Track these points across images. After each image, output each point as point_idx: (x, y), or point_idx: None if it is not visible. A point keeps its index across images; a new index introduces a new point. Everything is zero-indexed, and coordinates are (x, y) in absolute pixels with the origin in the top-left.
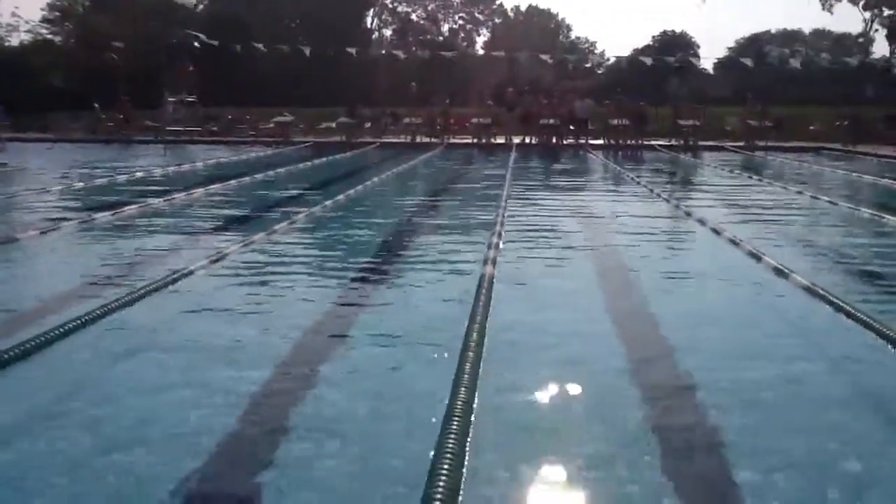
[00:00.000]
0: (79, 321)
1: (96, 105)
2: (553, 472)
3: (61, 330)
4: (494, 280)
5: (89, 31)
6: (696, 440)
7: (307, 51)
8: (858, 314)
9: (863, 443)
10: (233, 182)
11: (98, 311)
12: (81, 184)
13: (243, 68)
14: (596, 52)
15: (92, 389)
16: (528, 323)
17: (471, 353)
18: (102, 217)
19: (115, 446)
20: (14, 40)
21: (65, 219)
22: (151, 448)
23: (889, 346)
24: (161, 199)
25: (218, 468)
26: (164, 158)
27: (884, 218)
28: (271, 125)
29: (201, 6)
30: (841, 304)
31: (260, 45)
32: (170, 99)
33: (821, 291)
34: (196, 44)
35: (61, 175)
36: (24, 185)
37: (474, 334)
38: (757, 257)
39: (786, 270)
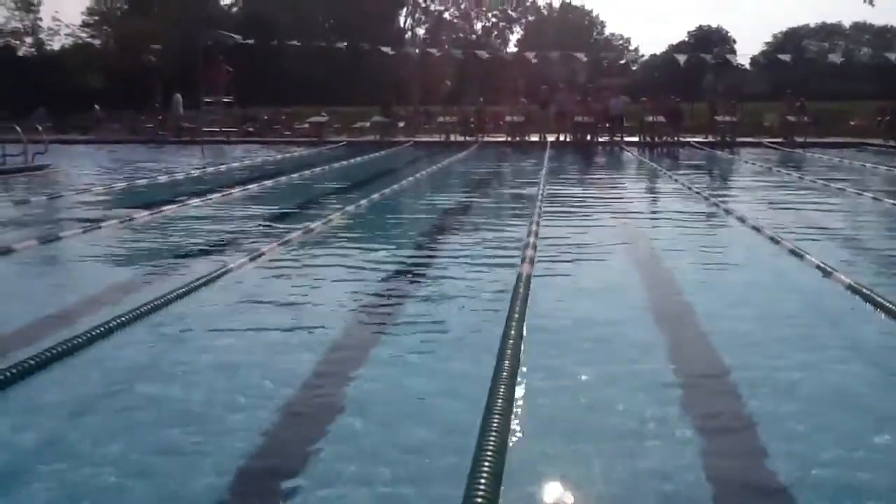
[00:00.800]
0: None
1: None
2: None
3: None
4: (531, 279)
5: (127, 34)
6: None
7: (342, 48)
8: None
9: None
10: (268, 182)
11: (157, 302)
12: (123, 184)
13: (278, 68)
14: (630, 48)
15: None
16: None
17: (509, 350)
18: (142, 216)
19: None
20: (55, 44)
21: (104, 218)
22: None
23: None
24: (199, 199)
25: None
26: (202, 159)
27: None
28: (306, 125)
29: (236, 8)
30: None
31: (295, 43)
32: (206, 100)
33: (857, 286)
34: (232, 44)
35: (102, 175)
36: (68, 186)
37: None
38: (799, 255)
39: (825, 267)
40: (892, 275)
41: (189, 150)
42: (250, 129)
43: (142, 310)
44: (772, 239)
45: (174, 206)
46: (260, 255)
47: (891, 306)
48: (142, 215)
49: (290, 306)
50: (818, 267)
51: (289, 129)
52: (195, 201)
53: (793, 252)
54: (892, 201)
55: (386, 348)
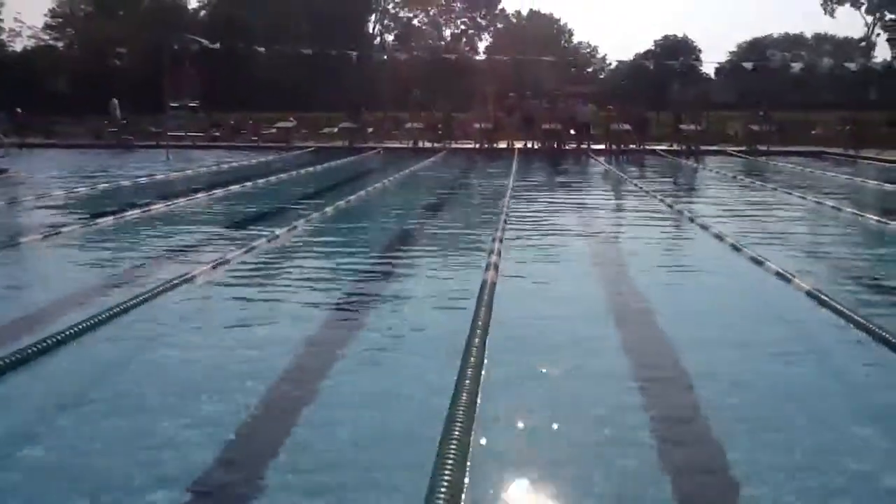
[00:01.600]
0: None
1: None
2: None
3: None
4: (496, 285)
5: (91, 36)
6: None
7: (310, 54)
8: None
9: None
10: (234, 187)
11: (125, 305)
12: (84, 189)
13: (246, 73)
14: (598, 56)
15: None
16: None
17: (472, 358)
18: (104, 222)
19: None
20: (17, 46)
21: (66, 224)
22: None
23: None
24: (163, 204)
25: None
26: (167, 164)
27: (884, 223)
28: (273, 130)
29: (203, 12)
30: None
31: (261, 49)
32: (172, 104)
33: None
34: (198, 48)
35: (64, 180)
36: (29, 191)
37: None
38: (759, 262)
39: (784, 273)
40: (849, 279)
41: (154, 155)
42: (217, 135)
43: (100, 317)
44: (733, 246)
45: (136, 211)
46: (224, 262)
47: (850, 313)
48: (103, 221)
49: (252, 312)
50: (777, 273)
51: (256, 134)
52: (158, 206)
53: (753, 259)
54: (851, 209)
55: (351, 351)
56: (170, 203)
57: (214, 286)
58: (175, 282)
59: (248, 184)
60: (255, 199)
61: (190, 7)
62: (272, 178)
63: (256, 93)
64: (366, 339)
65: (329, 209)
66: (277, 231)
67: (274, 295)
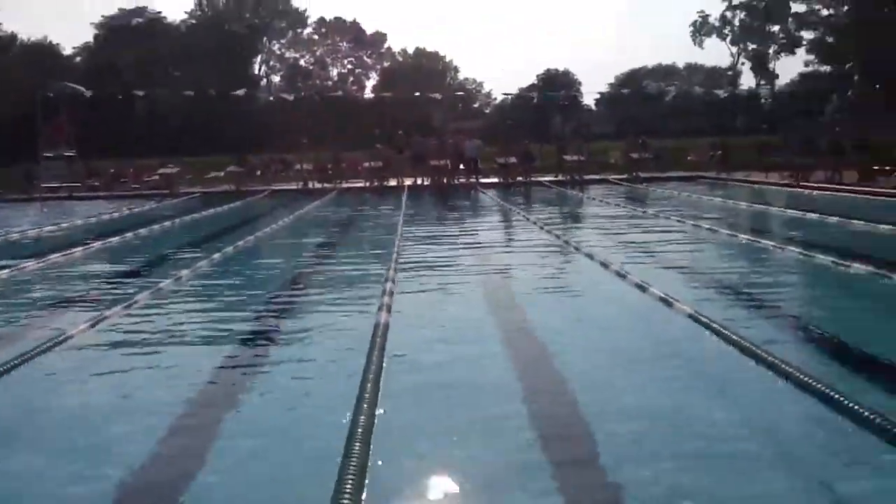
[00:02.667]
0: None
1: None
2: None
3: None
4: (389, 325)
5: None
6: None
7: (192, 96)
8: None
9: None
10: (114, 239)
11: None
12: None
13: (126, 120)
14: (483, 91)
15: None
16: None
17: (366, 404)
18: None
19: None
20: None
21: None
22: None
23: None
24: (38, 261)
25: None
26: (41, 217)
27: (754, 240)
28: (156, 177)
29: (79, 58)
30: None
31: (140, 94)
32: (46, 154)
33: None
34: (74, 94)
35: None
36: None
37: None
38: (643, 288)
39: (667, 297)
40: (726, 298)
41: (27, 208)
42: (95, 184)
43: None
44: (617, 273)
45: (6, 270)
46: (102, 320)
47: (732, 336)
48: None
49: (131, 372)
50: (660, 298)
51: (137, 182)
52: (31, 263)
53: (637, 286)
54: (727, 231)
55: (236, 407)
56: (44, 260)
57: (92, 346)
58: (50, 343)
59: (130, 234)
60: (138, 251)
61: (65, 53)
62: (155, 227)
63: (138, 139)
64: (252, 398)
65: (216, 256)
66: (161, 283)
67: (155, 352)
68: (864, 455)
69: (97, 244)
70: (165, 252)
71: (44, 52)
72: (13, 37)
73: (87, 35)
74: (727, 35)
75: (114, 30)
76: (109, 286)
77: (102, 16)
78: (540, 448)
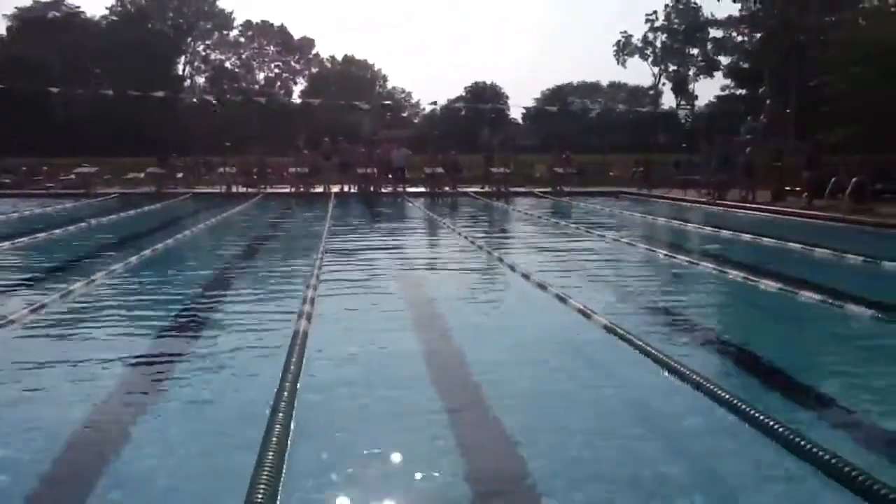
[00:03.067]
0: None
1: None
2: None
3: None
4: (308, 334)
5: None
6: None
7: (112, 94)
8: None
9: None
10: (23, 240)
11: None
12: None
13: (42, 116)
14: (411, 101)
15: None
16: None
17: (280, 414)
18: None
19: None
20: None
21: None
22: None
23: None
24: None
25: None
26: None
27: (671, 255)
28: (72, 176)
29: None
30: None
31: (56, 90)
32: None
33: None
34: None
35: None
36: None
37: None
38: (563, 299)
39: (585, 310)
40: (647, 313)
41: None
42: (6, 181)
43: None
44: (539, 285)
45: None
46: (8, 323)
47: (647, 347)
48: None
49: (39, 378)
50: (579, 310)
51: (52, 181)
52: None
53: (558, 297)
54: (645, 245)
55: (151, 417)
56: None
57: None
58: None
59: (41, 235)
60: (49, 252)
61: None
62: (70, 228)
63: (53, 137)
64: (164, 403)
65: (133, 259)
66: (72, 286)
67: (65, 356)
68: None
69: (5, 244)
70: (79, 254)
71: None
72: None
73: (0, 27)
74: (649, 56)
75: (28, 22)
76: (15, 288)
77: (16, 7)
78: None
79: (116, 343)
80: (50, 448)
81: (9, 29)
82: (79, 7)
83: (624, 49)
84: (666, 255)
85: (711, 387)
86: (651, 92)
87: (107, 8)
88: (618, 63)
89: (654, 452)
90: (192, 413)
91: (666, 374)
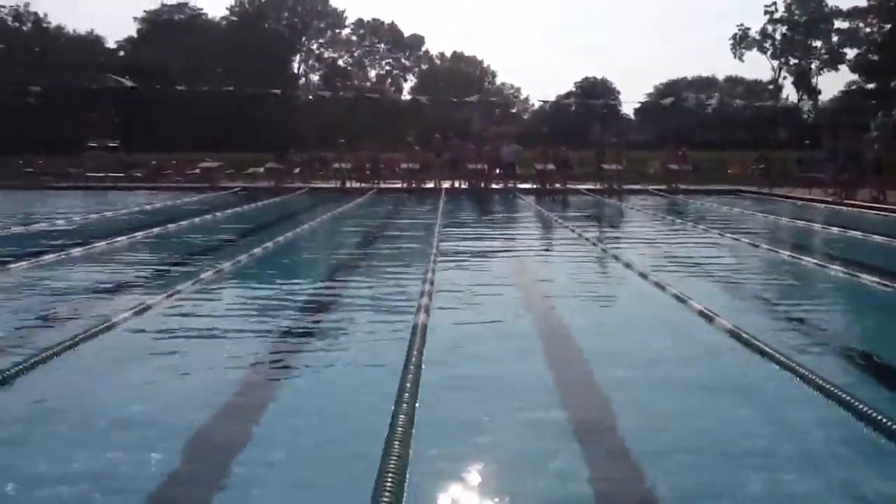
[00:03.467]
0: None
1: None
2: None
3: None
4: (427, 329)
5: (6, 75)
6: None
7: (233, 93)
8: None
9: None
10: (156, 229)
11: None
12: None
13: (168, 114)
14: (521, 97)
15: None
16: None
17: (405, 404)
18: (19, 265)
19: None
20: None
21: None
22: None
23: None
24: (82, 248)
25: None
26: (86, 205)
27: (799, 260)
28: (197, 171)
29: (122, 52)
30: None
31: (181, 88)
32: (91, 144)
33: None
34: (119, 87)
35: None
36: None
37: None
38: (682, 300)
39: (706, 311)
40: (769, 315)
41: (72, 197)
42: (138, 175)
43: (20, 367)
44: (657, 284)
45: (53, 255)
46: (146, 308)
47: (768, 349)
48: (19, 265)
49: (177, 361)
50: (700, 312)
51: (179, 175)
52: (77, 251)
53: (676, 297)
54: (768, 246)
55: (280, 402)
56: (89, 247)
57: (136, 332)
58: (95, 329)
59: (172, 226)
60: (179, 242)
61: (108, 46)
62: (196, 220)
63: (179, 133)
64: (293, 388)
65: (257, 250)
66: (202, 274)
67: (195, 341)
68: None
69: (140, 234)
70: (206, 244)
71: (89, 45)
72: (60, 30)
73: (131, 29)
74: (768, 49)
75: (156, 24)
76: (152, 275)
77: (145, 11)
78: None
79: (243, 326)
80: (179, 426)
81: (139, 31)
82: (202, 9)
83: (741, 42)
84: (791, 256)
85: (846, 397)
86: (770, 86)
87: (227, 9)
88: (735, 57)
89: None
90: (318, 395)
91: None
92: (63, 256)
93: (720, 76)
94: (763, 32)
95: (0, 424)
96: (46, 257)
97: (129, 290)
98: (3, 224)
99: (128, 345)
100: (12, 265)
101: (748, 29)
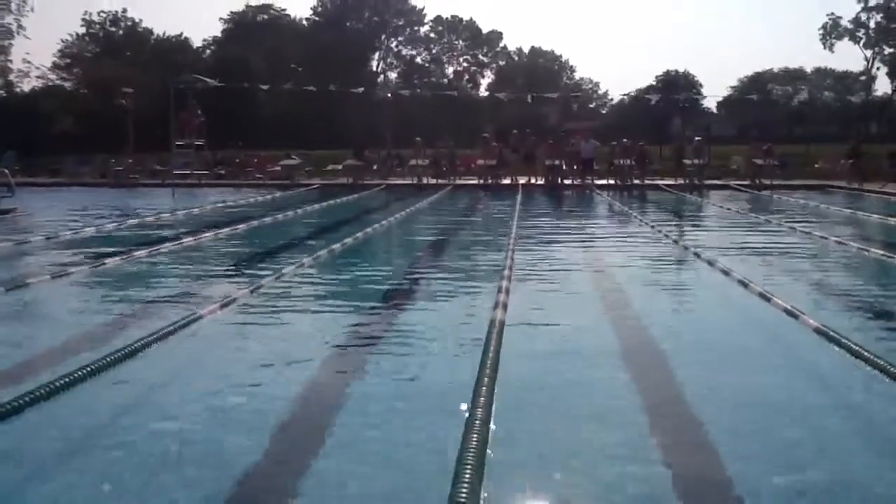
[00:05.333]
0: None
1: None
2: None
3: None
4: (504, 325)
5: (98, 76)
6: None
7: (313, 91)
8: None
9: None
10: (241, 225)
11: (126, 350)
12: (92, 228)
13: (250, 112)
14: (599, 92)
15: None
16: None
17: (482, 397)
18: (111, 261)
19: None
20: (25, 86)
21: (73, 262)
22: None
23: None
24: (170, 243)
25: None
26: (172, 203)
27: (889, 256)
28: (278, 168)
29: (208, 51)
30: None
31: (265, 87)
32: (177, 143)
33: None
34: (204, 87)
35: (72, 219)
36: (36, 229)
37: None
38: (766, 298)
39: (793, 310)
40: (857, 316)
41: (159, 194)
42: (222, 172)
43: (110, 358)
44: (741, 282)
45: (144, 250)
46: (231, 301)
47: (858, 349)
48: (111, 260)
49: (260, 352)
50: (786, 310)
51: (261, 172)
52: (165, 245)
53: (761, 295)
54: (857, 244)
55: (358, 394)
56: (176, 242)
57: (222, 325)
58: (183, 321)
59: (255, 222)
60: (262, 237)
61: (195, 46)
62: (278, 216)
63: (261, 131)
64: (374, 377)
65: (336, 246)
66: (284, 269)
67: (281, 333)
68: None
69: (226, 229)
70: (288, 240)
71: (176, 46)
72: (149, 32)
73: (216, 29)
74: (861, 38)
75: (240, 25)
76: (237, 270)
77: (230, 12)
78: None
79: (323, 317)
80: (262, 414)
81: (223, 31)
82: (284, 10)
83: (831, 32)
84: (884, 255)
85: None
86: (862, 77)
87: (311, 8)
88: (824, 47)
89: None
90: (396, 386)
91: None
92: (151, 252)
93: (808, 68)
94: (856, 21)
95: (136, 384)
96: (136, 252)
97: (216, 283)
98: (96, 221)
99: (213, 336)
100: (106, 260)
101: (839, 18)
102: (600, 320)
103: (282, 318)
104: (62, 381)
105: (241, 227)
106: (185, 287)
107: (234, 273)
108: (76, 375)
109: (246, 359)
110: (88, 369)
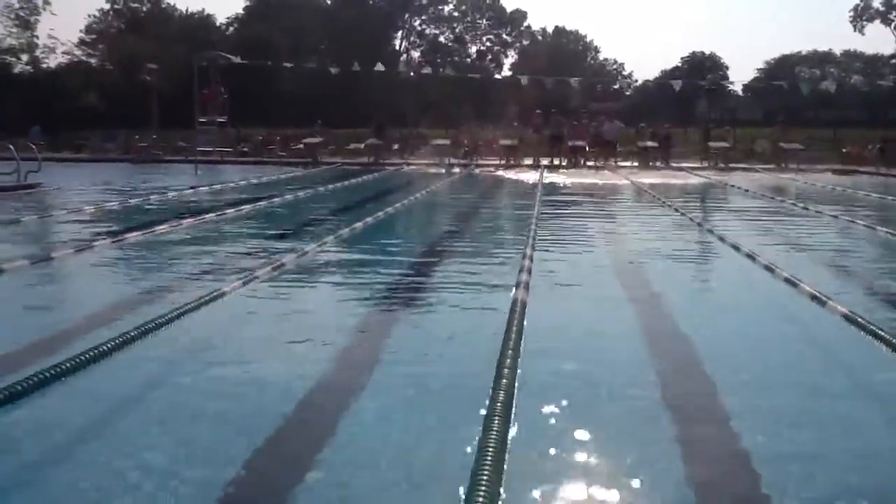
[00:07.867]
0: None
1: None
2: None
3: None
4: (527, 307)
5: (123, 53)
6: None
7: (336, 70)
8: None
9: None
10: (263, 203)
11: (148, 325)
12: (115, 203)
13: (273, 90)
14: (624, 73)
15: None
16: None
17: (504, 379)
18: (134, 236)
19: None
20: (51, 62)
21: (96, 237)
22: None
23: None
24: (194, 219)
25: None
26: (196, 179)
27: None
28: (301, 146)
29: (231, 29)
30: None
31: (288, 65)
32: (201, 120)
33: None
34: (227, 64)
35: (97, 194)
36: (60, 205)
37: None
38: (793, 283)
39: (819, 295)
40: (882, 301)
41: (183, 170)
42: (245, 150)
43: (133, 333)
44: (766, 267)
45: (166, 225)
46: (253, 279)
47: (883, 333)
48: (134, 235)
49: (280, 330)
50: (812, 296)
51: (283, 150)
52: (188, 221)
53: (787, 280)
54: (885, 229)
55: (378, 375)
56: (200, 218)
57: (245, 300)
58: (206, 298)
59: (277, 199)
60: (285, 215)
61: (218, 24)
62: (301, 194)
63: (284, 109)
64: (397, 355)
65: (358, 224)
66: (306, 247)
67: (303, 310)
68: None
69: (248, 207)
70: (310, 218)
71: (199, 23)
72: (174, 9)
73: (239, 6)
74: (892, 20)
75: (262, 2)
76: (258, 247)
77: None
78: None
79: (343, 297)
80: (278, 402)
81: (246, 9)
82: None
83: (862, 14)
84: None
85: None
86: (893, 61)
87: None
88: (854, 30)
89: None
90: (415, 373)
91: None
92: (173, 227)
93: (837, 50)
94: (888, 3)
95: (175, 346)
96: (159, 228)
97: (238, 260)
98: (120, 196)
99: (234, 312)
100: (130, 235)
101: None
102: (623, 308)
103: (304, 291)
104: (86, 356)
105: (264, 203)
106: (206, 263)
107: (256, 250)
108: (101, 349)
109: (266, 333)
110: (109, 344)
